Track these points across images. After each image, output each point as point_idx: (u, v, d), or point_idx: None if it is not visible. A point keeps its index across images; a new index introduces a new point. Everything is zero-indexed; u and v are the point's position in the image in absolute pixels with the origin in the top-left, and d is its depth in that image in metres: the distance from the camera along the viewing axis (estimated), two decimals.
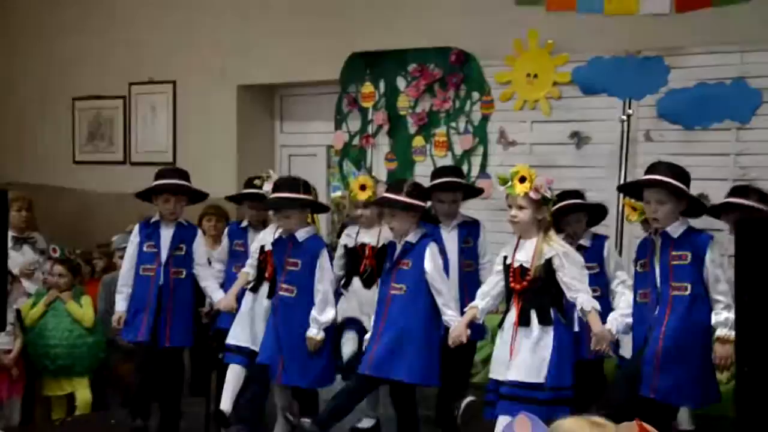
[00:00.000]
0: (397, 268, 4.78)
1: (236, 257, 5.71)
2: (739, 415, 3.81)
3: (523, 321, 4.37)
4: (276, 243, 5.13)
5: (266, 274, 5.31)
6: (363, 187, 5.30)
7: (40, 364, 6.14)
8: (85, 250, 7.39)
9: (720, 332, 4.22)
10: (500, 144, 6.73)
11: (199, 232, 5.57)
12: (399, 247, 4.81)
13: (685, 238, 4.33)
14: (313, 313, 4.91)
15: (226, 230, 5.96)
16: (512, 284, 4.45)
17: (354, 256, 5.37)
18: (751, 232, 3.77)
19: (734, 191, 4.90)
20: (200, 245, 5.50)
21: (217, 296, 5.44)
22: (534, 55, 6.53)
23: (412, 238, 4.79)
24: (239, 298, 5.42)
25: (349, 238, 5.43)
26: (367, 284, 5.31)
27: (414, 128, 7.07)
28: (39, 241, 6.98)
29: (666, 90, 6.06)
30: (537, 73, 6.55)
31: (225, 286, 5.61)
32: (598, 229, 5.37)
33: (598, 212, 5.39)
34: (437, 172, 5.63)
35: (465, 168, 6.80)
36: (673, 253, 4.31)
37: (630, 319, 4.49)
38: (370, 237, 5.34)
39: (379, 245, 5.27)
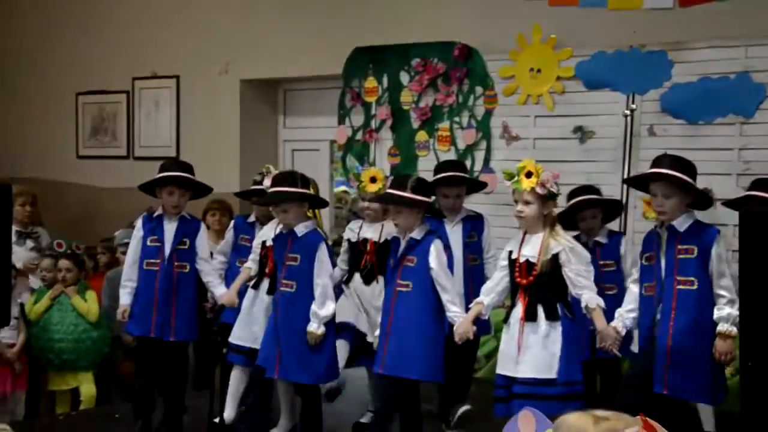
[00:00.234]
0: (402, 265, 4.76)
1: (241, 252, 5.71)
2: (744, 410, 3.81)
3: (530, 316, 4.37)
4: (276, 238, 5.12)
5: (267, 270, 5.31)
6: (373, 180, 5.28)
7: (44, 358, 6.16)
8: (88, 245, 7.40)
9: (721, 327, 4.22)
10: (503, 139, 6.73)
11: (203, 226, 5.55)
12: (403, 243, 4.80)
13: (691, 231, 4.32)
14: (313, 307, 4.90)
15: (231, 224, 5.96)
16: (518, 279, 4.44)
17: (356, 251, 5.37)
18: (756, 226, 3.77)
19: (756, 184, 4.89)
20: (203, 239, 5.47)
21: (219, 292, 5.43)
22: (537, 50, 6.52)
23: (417, 234, 4.77)
24: (242, 294, 5.43)
25: (352, 232, 5.43)
26: (367, 280, 5.32)
27: (417, 123, 7.07)
28: (42, 236, 7.00)
29: (670, 84, 6.04)
30: (540, 67, 6.54)
31: (228, 280, 5.61)
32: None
33: (613, 208, 5.37)
34: (441, 167, 5.62)
35: (468, 163, 6.79)
36: (680, 246, 4.29)
37: (636, 313, 4.48)
38: (372, 232, 5.32)
39: (381, 240, 5.26)
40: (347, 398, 5.85)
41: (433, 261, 4.71)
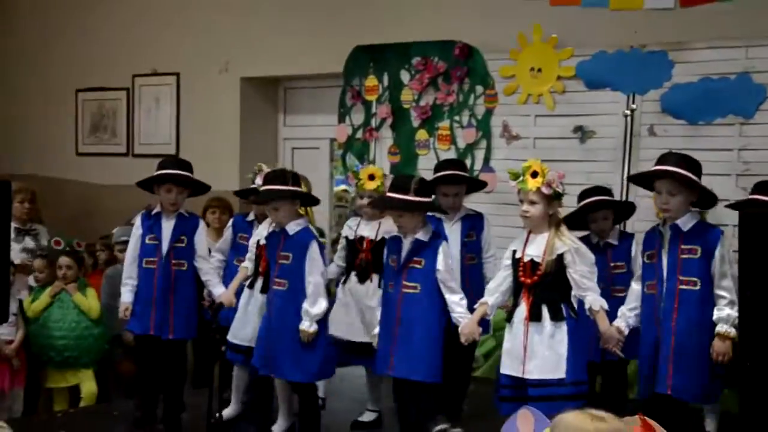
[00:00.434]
0: (408, 267, 4.73)
1: (239, 250, 5.70)
2: (742, 410, 3.81)
3: (534, 316, 4.36)
4: (269, 237, 5.12)
5: (260, 269, 5.30)
6: (371, 177, 5.30)
7: (45, 355, 6.16)
8: (87, 242, 7.40)
9: (720, 328, 4.21)
10: (504, 138, 6.72)
11: (201, 223, 5.55)
12: (407, 245, 4.77)
13: (695, 231, 4.30)
14: (305, 305, 4.88)
15: (230, 222, 5.96)
16: (522, 278, 4.43)
17: (352, 249, 5.37)
18: (755, 227, 3.77)
19: (759, 187, 4.87)
20: (202, 237, 5.47)
21: (218, 291, 5.42)
22: (538, 49, 6.52)
23: (422, 236, 4.75)
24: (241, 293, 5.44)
25: (349, 230, 5.43)
26: (362, 278, 5.32)
27: (417, 122, 7.06)
28: (41, 233, 6.99)
29: (670, 85, 6.04)
30: (541, 67, 6.53)
31: (226, 278, 5.61)
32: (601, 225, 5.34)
33: (624, 209, 5.34)
34: (440, 165, 5.63)
35: (468, 162, 6.79)
36: (683, 246, 4.28)
37: (639, 311, 4.47)
38: (369, 230, 5.33)
39: (378, 239, 5.26)
40: (345, 397, 5.85)
41: (440, 263, 4.70)
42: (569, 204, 4.86)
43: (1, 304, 4.57)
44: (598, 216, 5.17)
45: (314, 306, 4.89)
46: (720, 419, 5.01)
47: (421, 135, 7.05)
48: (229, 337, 5.35)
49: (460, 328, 4.65)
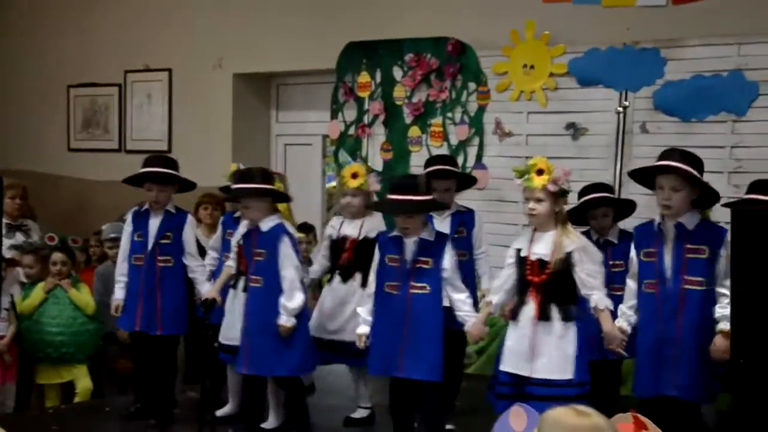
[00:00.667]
0: (415, 267, 4.65)
1: (227, 247, 5.71)
2: (735, 407, 3.82)
3: (544, 315, 4.32)
4: (245, 235, 5.13)
5: (241, 268, 5.28)
6: (355, 175, 5.29)
7: (40, 351, 6.15)
8: (80, 238, 7.40)
9: (723, 326, 4.12)
10: (496, 135, 6.73)
11: (189, 219, 5.53)
12: (413, 245, 4.67)
13: (700, 230, 4.25)
14: (282, 300, 4.90)
15: (221, 219, 5.96)
16: (530, 277, 4.37)
17: (336, 249, 5.38)
18: (747, 224, 3.78)
19: (755, 186, 4.86)
20: (189, 234, 5.47)
21: (204, 289, 5.42)
22: (531, 46, 6.53)
23: (428, 235, 4.70)
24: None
25: (333, 229, 5.44)
26: (345, 278, 5.33)
27: (410, 118, 7.06)
28: (33, 229, 6.98)
29: (662, 82, 6.06)
30: (533, 64, 6.54)
31: (217, 276, 5.61)
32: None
33: (625, 207, 5.32)
34: (431, 161, 5.65)
35: (461, 158, 6.79)
36: (689, 246, 4.22)
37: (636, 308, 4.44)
38: (352, 229, 5.33)
39: (360, 238, 5.27)
40: (338, 394, 5.85)
41: (447, 262, 4.66)
42: (571, 202, 4.82)
43: None
44: (598, 213, 5.14)
45: (291, 300, 4.91)
46: (712, 417, 5.02)
47: (414, 132, 7.05)
48: (220, 338, 5.35)
49: (467, 329, 4.63)
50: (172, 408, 5.51)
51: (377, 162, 7.18)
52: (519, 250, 4.48)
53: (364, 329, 4.80)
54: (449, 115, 6.91)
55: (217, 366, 5.42)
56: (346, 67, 7.32)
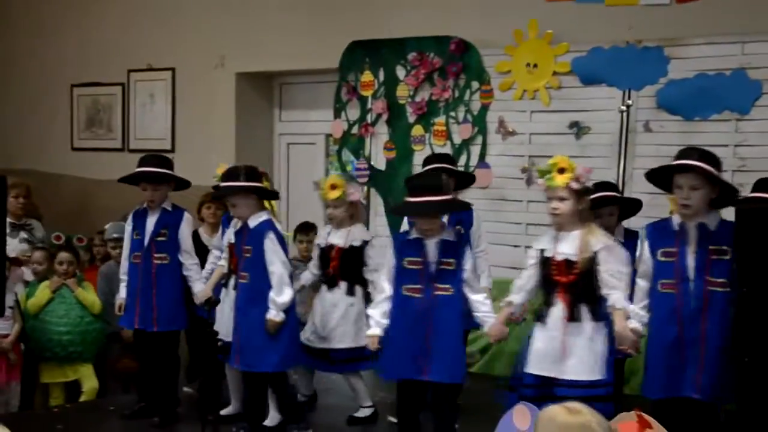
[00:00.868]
0: (440, 269, 4.58)
1: None
2: (739, 405, 3.83)
3: (574, 316, 4.29)
4: (236, 233, 5.18)
5: (231, 266, 5.32)
6: (333, 187, 5.35)
7: (47, 351, 6.16)
8: (85, 237, 7.42)
9: None
10: (499, 133, 6.73)
11: (185, 217, 5.55)
12: (435, 247, 4.60)
13: (722, 231, 4.18)
14: (271, 294, 4.93)
15: (223, 218, 5.98)
16: (557, 277, 4.34)
17: (324, 257, 5.44)
18: (751, 223, 3.78)
19: (760, 185, 4.84)
20: (185, 231, 5.51)
21: (197, 288, 5.48)
22: (534, 45, 6.52)
23: (448, 236, 4.65)
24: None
25: (321, 238, 5.53)
26: (330, 286, 5.40)
27: (413, 117, 7.06)
28: (36, 228, 6.99)
29: (666, 80, 6.05)
30: (536, 62, 6.54)
31: None
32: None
33: (631, 206, 5.28)
34: (429, 159, 5.68)
35: (464, 157, 6.80)
36: (712, 247, 4.16)
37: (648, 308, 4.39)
38: (338, 238, 5.39)
39: (347, 246, 5.33)
40: (340, 394, 5.85)
41: (467, 263, 4.62)
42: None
43: None
44: (603, 212, 5.09)
45: (280, 295, 4.94)
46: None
47: (417, 131, 7.05)
48: (220, 335, 5.37)
49: (487, 329, 4.60)
50: (175, 406, 5.52)
51: (380, 161, 7.19)
52: (542, 251, 4.43)
53: (376, 331, 4.70)
54: (452, 114, 6.91)
55: (217, 365, 5.43)
56: (349, 66, 7.32)
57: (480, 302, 4.63)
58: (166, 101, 8.49)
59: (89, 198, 8.79)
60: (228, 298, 5.29)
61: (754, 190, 4.89)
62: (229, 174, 5.11)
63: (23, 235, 6.85)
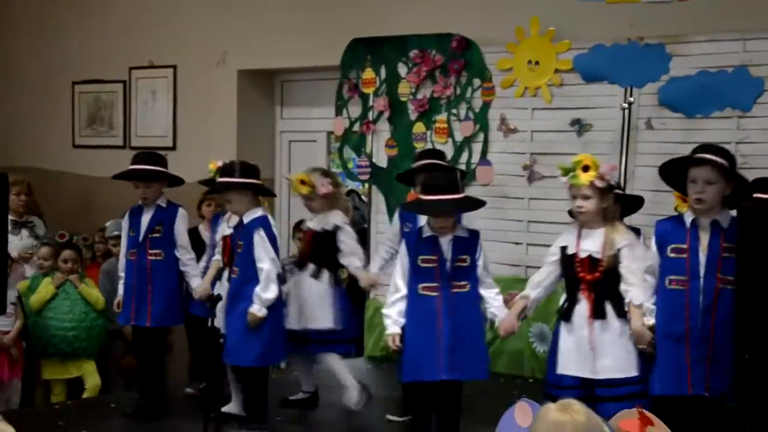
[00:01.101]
0: (455, 266, 4.57)
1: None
2: (739, 402, 3.83)
3: (598, 313, 4.29)
4: (234, 228, 5.26)
5: (225, 260, 5.42)
6: (303, 182, 5.46)
7: (51, 347, 6.18)
8: (84, 235, 7.43)
9: None
10: (501, 131, 6.72)
11: (180, 213, 5.57)
12: (449, 244, 4.57)
13: (734, 229, 4.14)
14: (257, 289, 4.98)
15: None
16: (581, 275, 4.33)
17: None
18: (753, 221, 3.78)
19: (759, 184, 4.82)
20: (181, 227, 5.54)
21: (194, 283, 5.52)
22: (535, 42, 6.52)
23: (462, 232, 4.64)
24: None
25: (305, 225, 5.74)
26: (300, 267, 5.54)
27: (415, 114, 7.05)
28: (37, 226, 7.00)
29: (667, 78, 6.04)
30: (538, 60, 6.53)
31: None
32: None
33: (632, 203, 5.26)
34: (420, 155, 5.73)
35: (465, 155, 6.80)
36: (724, 244, 4.14)
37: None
38: (314, 222, 5.54)
39: (319, 230, 5.48)
40: (339, 391, 5.86)
41: (481, 258, 4.63)
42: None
43: None
44: None
45: (266, 291, 4.98)
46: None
47: (419, 128, 7.04)
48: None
49: (497, 323, 4.58)
50: (164, 401, 5.53)
51: (382, 158, 7.18)
52: (564, 248, 4.42)
53: (396, 329, 4.63)
54: (454, 111, 6.90)
55: (219, 362, 5.44)
56: (351, 63, 7.32)
57: (492, 297, 4.63)
58: (168, 99, 8.49)
59: (90, 195, 8.79)
60: (222, 291, 5.34)
61: (756, 189, 4.87)
62: (225, 170, 5.17)
63: (25, 232, 6.86)
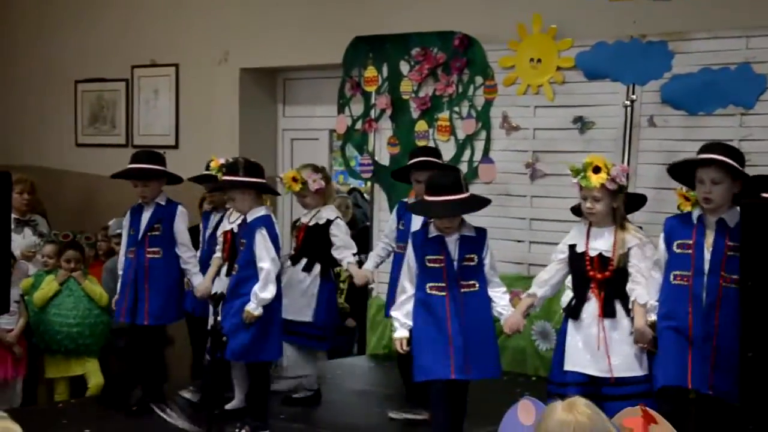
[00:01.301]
0: (462, 266, 4.55)
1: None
2: (743, 400, 3.82)
3: (608, 312, 4.30)
4: (239, 226, 5.28)
5: (224, 255, 5.47)
6: (295, 179, 5.55)
7: (55, 343, 6.19)
8: (87, 234, 7.43)
9: None
10: (503, 129, 6.71)
11: (179, 211, 5.58)
12: (456, 243, 4.55)
13: (739, 228, 4.11)
14: (255, 288, 4.99)
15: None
16: (591, 273, 4.34)
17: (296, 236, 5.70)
18: (757, 217, 3.78)
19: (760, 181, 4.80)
20: (180, 225, 5.56)
21: (196, 281, 5.55)
22: (537, 40, 6.51)
23: (469, 231, 4.61)
24: None
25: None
26: (293, 262, 5.60)
27: (417, 112, 7.05)
28: (40, 224, 7.01)
29: (670, 75, 6.03)
30: (540, 57, 6.52)
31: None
32: None
33: (634, 201, 5.29)
34: (414, 153, 5.74)
35: (468, 153, 6.79)
36: (730, 243, 4.14)
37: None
38: (306, 216, 5.64)
39: (311, 224, 5.57)
40: (343, 389, 5.87)
41: (488, 257, 4.61)
42: (573, 195, 4.80)
43: (2, 295, 4.59)
44: None
45: (263, 291, 4.98)
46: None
47: (421, 126, 7.04)
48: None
49: (503, 321, 4.57)
50: (162, 400, 5.54)
51: (384, 156, 7.18)
52: (573, 246, 4.43)
53: (404, 333, 4.60)
54: (456, 109, 6.89)
55: (222, 360, 5.45)
56: (353, 61, 7.31)
57: (499, 297, 4.61)
58: (170, 97, 8.49)
59: (93, 194, 8.79)
60: (219, 285, 5.38)
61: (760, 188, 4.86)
62: (230, 168, 5.19)
63: (28, 231, 6.87)
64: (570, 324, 4.41)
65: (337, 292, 6.90)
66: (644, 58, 6.07)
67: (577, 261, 4.40)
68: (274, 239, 5.09)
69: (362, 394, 6.01)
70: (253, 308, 4.98)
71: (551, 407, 2.51)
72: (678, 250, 4.29)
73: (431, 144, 6.88)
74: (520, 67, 6.60)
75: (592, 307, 4.33)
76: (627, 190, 5.13)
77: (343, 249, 5.54)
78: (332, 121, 7.58)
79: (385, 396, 5.66)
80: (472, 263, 4.56)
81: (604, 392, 4.24)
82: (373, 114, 7.26)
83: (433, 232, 4.60)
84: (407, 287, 4.63)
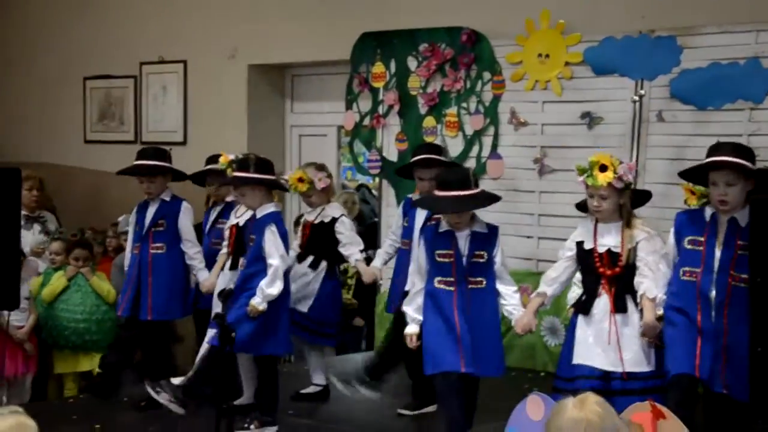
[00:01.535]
0: (471, 262, 4.54)
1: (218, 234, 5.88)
2: (753, 396, 3.81)
3: (620, 307, 4.31)
4: (246, 221, 5.32)
5: (229, 249, 5.50)
6: (301, 180, 5.57)
7: (62, 339, 6.22)
8: (96, 230, 7.45)
9: None
10: (511, 124, 6.70)
11: (184, 207, 5.63)
12: (466, 239, 4.54)
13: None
14: (262, 283, 4.99)
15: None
16: (601, 269, 4.35)
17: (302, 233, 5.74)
18: (765, 213, 3.77)
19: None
20: (185, 221, 5.60)
21: (202, 276, 5.58)
22: (545, 35, 6.50)
23: (480, 227, 4.60)
24: None
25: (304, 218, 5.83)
26: (300, 260, 5.63)
27: (425, 108, 7.05)
28: (49, 221, 7.03)
29: (679, 70, 6.01)
30: (548, 53, 6.51)
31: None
32: None
33: (640, 197, 5.29)
34: (417, 150, 5.72)
35: (476, 148, 6.79)
36: (740, 242, 4.13)
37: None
38: (312, 214, 5.66)
39: (317, 221, 5.59)
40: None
41: (498, 254, 4.61)
42: (581, 191, 4.79)
43: (12, 291, 4.60)
44: None
45: (270, 287, 4.99)
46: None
47: (429, 122, 7.03)
48: None
49: (514, 321, 4.56)
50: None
51: (392, 152, 7.18)
52: (581, 243, 4.43)
53: (414, 329, 4.61)
54: (464, 105, 6.89)
55: (231, 355, 5.45)
56: (361, 57, 7.31)
57: (509, 295, 4.60)
58: (178, 94, 8.50)
59: (102, 191, 8.81)
60: (223, 279, 5.42)
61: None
62: (240, 165, 5.19)
63: (37, 227, 6.89)
64: (580, 319, 4.41)
65: (345, 287, 6.93)
66: (653, 53, 6.06)
67: (586, 258, 4.41)
68: (283, 236, 5.12)
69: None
70: (258, 302, 4.98)
71: (562, 404, 2.50)
72: (689, 246, 4.29)
73: (439, 140, 6.88)
74: (528, 63, 6.59)
75: (603, 303, 4.34)
76: (635, 186, 5.15)
77: (350, 246, 5.55)
78: (340, 117, 7.58)
79: (394, 392, 5.65)
80: (481, 260, 4.55)
81: (614, 387, 4.25)
82: (381, 110, 7.26)
83: (444, 227, 4.61)
84: (417, 281, 4.65)
